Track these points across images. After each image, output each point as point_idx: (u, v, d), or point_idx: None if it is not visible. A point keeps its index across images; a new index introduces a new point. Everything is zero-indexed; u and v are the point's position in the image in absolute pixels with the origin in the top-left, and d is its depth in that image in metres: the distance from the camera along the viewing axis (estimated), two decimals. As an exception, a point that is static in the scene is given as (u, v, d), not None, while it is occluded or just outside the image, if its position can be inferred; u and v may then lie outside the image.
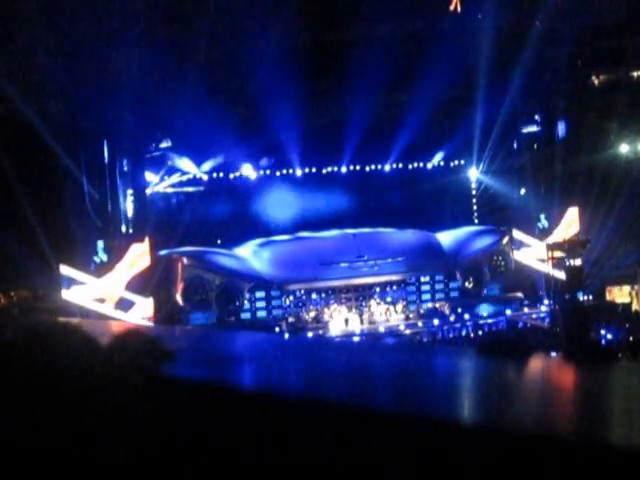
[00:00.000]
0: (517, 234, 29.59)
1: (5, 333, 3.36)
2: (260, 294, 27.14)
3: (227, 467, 2.66)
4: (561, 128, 29.30)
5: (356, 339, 25.21)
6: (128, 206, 25.28)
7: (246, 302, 26.95)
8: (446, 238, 29.66)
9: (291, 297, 27.47)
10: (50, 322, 3.43)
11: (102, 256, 24.13)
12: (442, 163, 31.87)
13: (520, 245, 29.69)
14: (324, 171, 30.43)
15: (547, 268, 26.26)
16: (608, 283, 28.53)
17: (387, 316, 27.40)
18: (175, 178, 28.36)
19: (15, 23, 20.34)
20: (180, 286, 26.04)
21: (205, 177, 28.92)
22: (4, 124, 21.39)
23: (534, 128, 30.29)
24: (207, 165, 28.55)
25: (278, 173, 29.98)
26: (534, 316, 27.95)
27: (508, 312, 28.04)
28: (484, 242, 29.72)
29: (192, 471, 2.75)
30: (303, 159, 29.60)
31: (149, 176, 27.09)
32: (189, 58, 22.97)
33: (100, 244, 24.19)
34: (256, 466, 2.57)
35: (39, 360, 2.95)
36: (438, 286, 29.22)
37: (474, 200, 32.47)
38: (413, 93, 26.32)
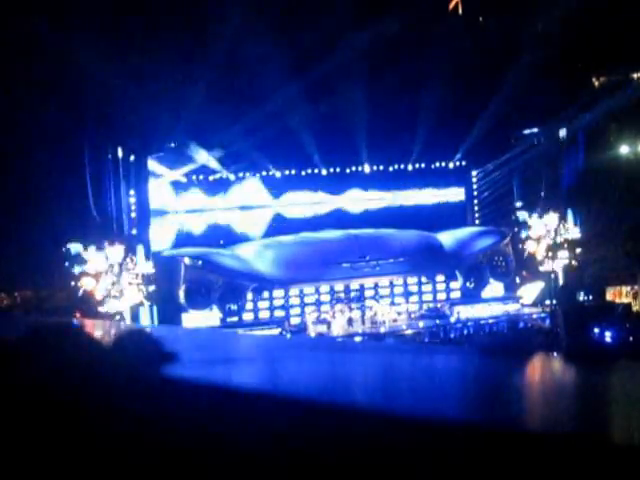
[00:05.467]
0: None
1: (7, 333, 3.39)
2: (262, 295, 27.19)
3: (228, 469, 2.68)
4: (563, 130, 29.29)
5: (358, 339, 25.23)
6: (131, 207, 25.31)
7: (248, 303, 27.00)
8: (447, 239, 29.69)
9: (293, 298, 27.53)
10: (52, 322, 3.46)
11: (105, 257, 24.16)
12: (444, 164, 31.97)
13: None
14: (324, 172, 30.47)
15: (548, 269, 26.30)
16: (608, 283, 28.53)
17: (389, 316, 27.44)
18: (176, 178, 28.37)
19: (21, 27, 20.37)
20: (182, 287, 26.08)
21: (210, 178, 28.92)
22: (9, 129, 21.36)
23: (536, 130, 30.32)
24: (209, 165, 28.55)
25: (278, 174, 29.98)
26: (535, 316, 27.98)
27: (509, 312, 28.10)
28: (485, 243, 29.76)
29: (193, 473, 2.77)
30: (315, 159, 29.58)
31: (151, 176, 27.10)
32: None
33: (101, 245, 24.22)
34: (257, 468, 2.59)
35: (41, 360, 2.97)
36: (440, 286, 29.29)
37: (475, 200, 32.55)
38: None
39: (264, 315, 27.18)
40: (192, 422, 2.78)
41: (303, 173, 30.10)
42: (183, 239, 27.38)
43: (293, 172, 29.98)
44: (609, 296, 28.31)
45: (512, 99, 27.12)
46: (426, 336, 26.19)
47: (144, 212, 25.69)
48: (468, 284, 29.30)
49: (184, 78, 23.35)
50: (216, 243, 27.99)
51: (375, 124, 27.06)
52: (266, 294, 27.18)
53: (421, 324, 26.84)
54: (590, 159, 28.51)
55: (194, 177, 28.66)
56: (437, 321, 26.88)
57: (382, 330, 26.53)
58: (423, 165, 31.56)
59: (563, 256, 27.17)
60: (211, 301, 26.25)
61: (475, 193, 32.40)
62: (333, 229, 28.89)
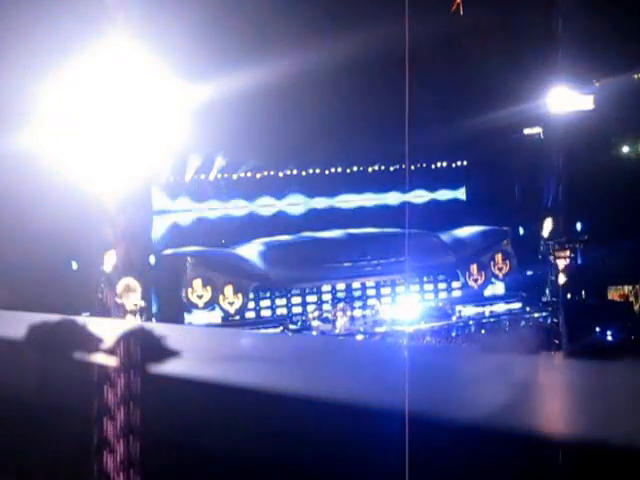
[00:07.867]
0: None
1: (9, 332, 3.39)
2: (264, 293, 27.19)
3: (229, 465, 2.69)
4: (565, 129, 29.22)
5: (360, 338, 25.24)
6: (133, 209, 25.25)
7: (250, 301, 26.99)
8: (449, 238, 29.70)
9: (295, 296, 27.53)
10: (55, 320, 3.47)
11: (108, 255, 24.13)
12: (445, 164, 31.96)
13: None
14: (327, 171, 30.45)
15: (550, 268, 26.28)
16: (610, 282, 28.48)
17: (390, 315, 27.44)
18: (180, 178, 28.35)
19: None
20: (184, 285, 26.09)
21: (211, 177, 28.89)
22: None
23: (537, 130, 30.27)
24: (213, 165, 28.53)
25: (280, 174, 29.95)
26: (536, 315, 27.97)
27: (511, 311, 28.10)
28: (487, 242, 29.76)
29: (193, 468, 2.78)
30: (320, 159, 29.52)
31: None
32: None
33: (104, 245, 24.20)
34: (257, 465, 2.60)
35: (42, 358, 2.98)
36: (441, 285, 29.28)
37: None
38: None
39: (266, 314, 27.18)
40: (193, 418, 2.78)
41: (304, 173, 30.11)
42: (185, 238, 27.36)
43: (295, 172, 29.98)
44: (610, 295, 28.27)
45: (512, 98, 27.09)
46: (428, 335, 26.20)
47: (146, 214, 25.65)
48: (470, 283, 29.31)
49: None
50: (217, 242, 28.03)
51: (375, 124, 27.01)
52: (268, 293, 27.20)
53: (423, 323, 26.84)
54: (591, 158, 28.46)
55: (195, 176, 28.64)
56: (439, 320, 26.87)
57: (384, 329, 26.52)
58: (424, 164, 31.54)
59: (565, 255, 27.10)
60: (213, 300, 26.27)
61: (477, 192, 32.38)
62: (333, 228, 28.89)
